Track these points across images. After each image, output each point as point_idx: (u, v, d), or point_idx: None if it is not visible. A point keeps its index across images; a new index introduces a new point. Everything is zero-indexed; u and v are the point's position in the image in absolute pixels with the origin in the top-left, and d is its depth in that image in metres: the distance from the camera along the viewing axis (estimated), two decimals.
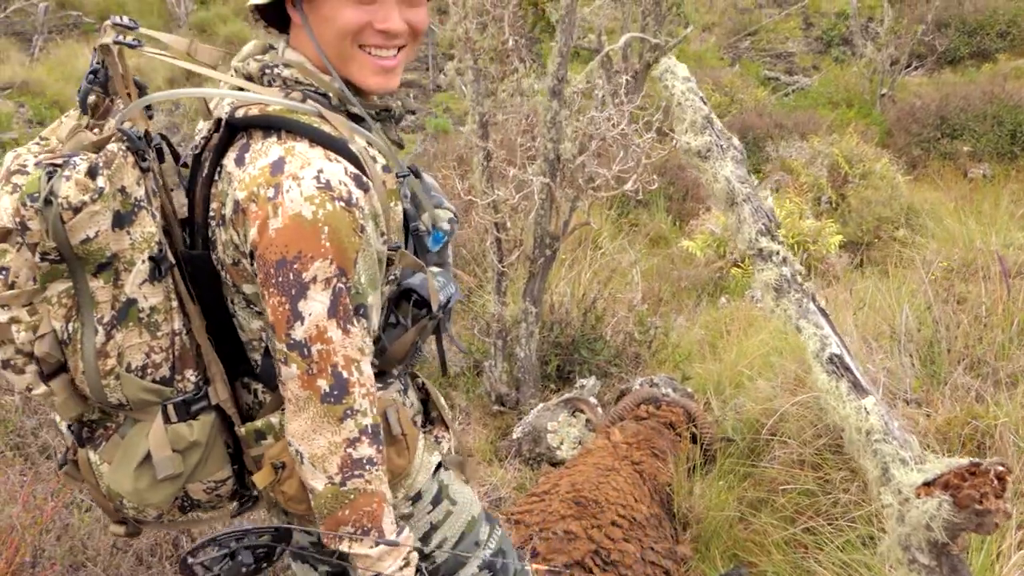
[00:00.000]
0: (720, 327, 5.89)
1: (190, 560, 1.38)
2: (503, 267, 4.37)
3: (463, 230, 5.38)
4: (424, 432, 1.77)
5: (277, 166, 1.38)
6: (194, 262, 1.53)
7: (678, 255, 8.34)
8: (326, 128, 1.45)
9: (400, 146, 1.66)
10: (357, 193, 1.40)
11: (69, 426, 1.58)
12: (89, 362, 1.42)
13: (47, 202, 1.31)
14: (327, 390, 1.38)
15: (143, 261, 1.42)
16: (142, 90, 1.52)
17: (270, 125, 1.45)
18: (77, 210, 1.31)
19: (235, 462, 1.62)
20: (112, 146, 1.40)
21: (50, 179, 1.32)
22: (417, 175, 1.71)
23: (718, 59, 16.85)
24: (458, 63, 4.44)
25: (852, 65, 14.66)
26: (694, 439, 4.13)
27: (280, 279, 1.36)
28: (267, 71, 1.53)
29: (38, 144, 1.50)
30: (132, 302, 1.43)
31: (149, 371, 1.47)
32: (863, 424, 1.53)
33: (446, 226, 1.67)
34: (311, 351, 1.37)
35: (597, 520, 3.40)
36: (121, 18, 1.53)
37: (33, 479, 2.63)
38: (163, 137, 1.58)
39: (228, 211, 1.44)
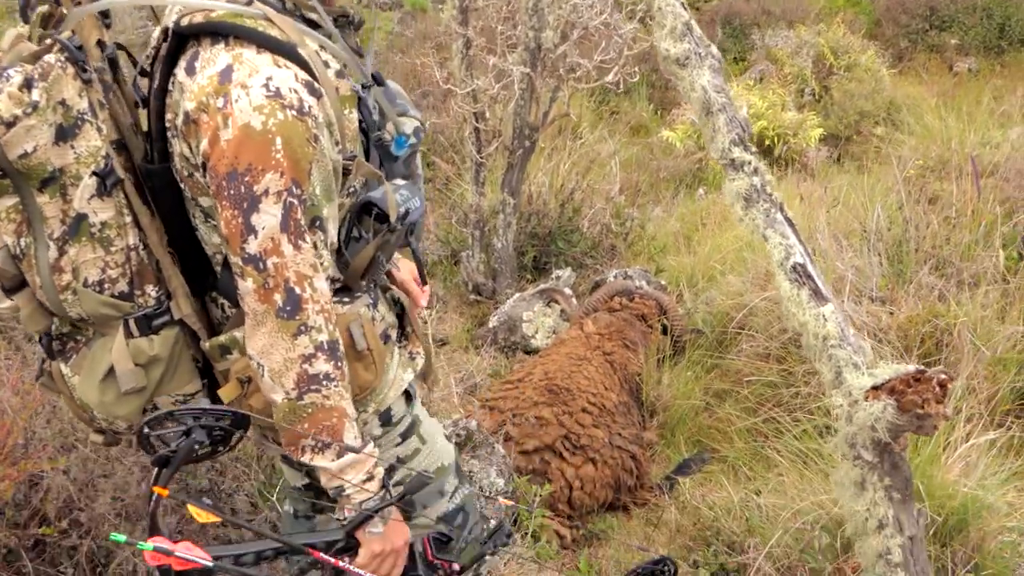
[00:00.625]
0: (696, 220, 5.95)
1: (147, 431, 1.38)
2: (481, 158, 4.38)
3: (441, 119, 5.35)
4: (399, 347, 1.76)
5: (225, 74, 1.33)
6: (153, 176, 1.50)
7: (658, 145, 8.32)
8: (273, 32, 1.38)
9: (360, 55, 1.60)
10: (309, 101, 1.36)
11: (40, 339, 1.57)
12: (44, 277, 1.41)
13: None
14: (280, 305, 1.36)
15: (90, 176, 1.39)
16: None
17: (216, 31, 1.38)
18: (10, 124, 1.29)
19: (204, 376, 1.62)
20: (49, 57, 1.36)
21: None
22: (380, 83, 1.65)
23: None
24: None
25: None
26: (665, 330, 4.25)
27: (232, 191, 1.33)
28: None
29: None
30: (82, 217, 1.40)
31: (106, 286, 1.46)
32: (820, 330, 1.61)
33: (409, 131, 1.61)
34: (266, 265, 1.35)
35: (568, 407, 3.53)
36: None
37: (20, 364, 2.69)
38: (120, 47, 1.53)
39: (179, 122, 1.40)
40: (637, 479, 3.52)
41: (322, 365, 1.41)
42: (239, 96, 1.31)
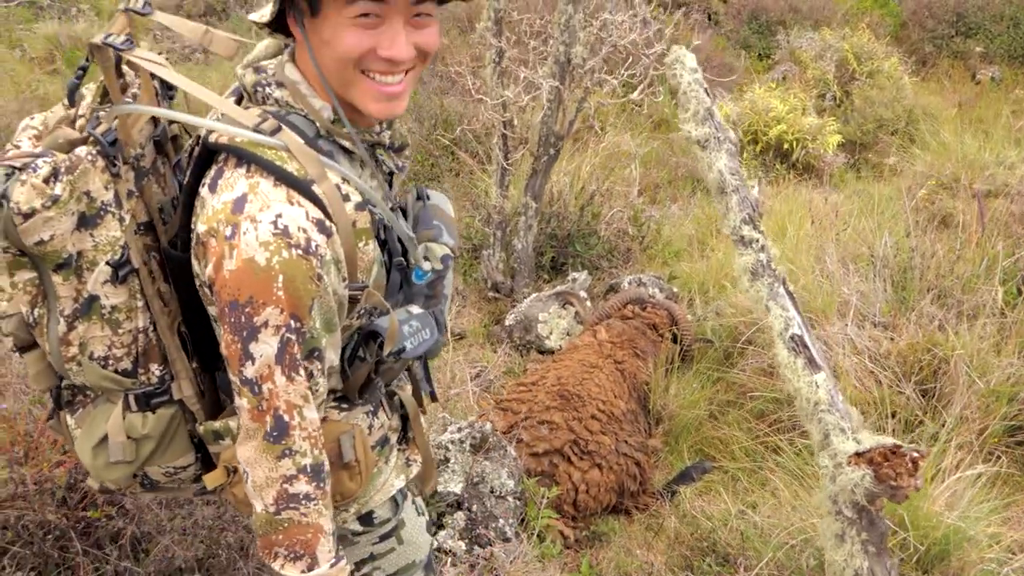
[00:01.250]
0: (711, 224, 6.10)
1: None
2: (508, 164, 4.54)
3: (471, 124, 5.50)
4: (399, 450, 1.80)
5: (238, 204, 1.34)
6: (175, 260, 1.51)
7: (678, 141, 8.44)
8: (292, 166, 1.38)
9: (399, 169, 1.63)
10: (317, 239, 1.36)
11: (50, 388, 1.61)
12: (53, 347, 1.47)
13: None
14: (268, 429, 1.39)
15: (105, 263, 1.43)
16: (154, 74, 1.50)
17: (239, 155, 1.39)
18: (28, 216, 1.32)
19: (200, 450, 1.64)
20: (81, 149, 1.39)
21: (7, 181, 1.32)
22: (422, 197, 1.70)
23: None
24: None
25: None
26: (675, 339, 4.42)
27: (232, 319, 1.34)
28: (259, 88, 1.49)
29: (33, 128, 1.51)
30: (94, 298, 1.44)
31: (111, 362, 1.49)
32: (812, 396, 1.78)
33: (427, 265, 1.63)
34: (261, 389, 1.37)
35: (578, 413, 3.71)
36: (136, 0, 1.49)
37: None
38: (165, 135, 1.57)
39: (192, 239, 1.43)
40: (640, 485, 3.71)
41: (303, 486, 1.43)
42: (247, 229, 1.32)
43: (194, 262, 1.44)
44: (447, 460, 3.35)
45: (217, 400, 1.63)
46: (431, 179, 6.55)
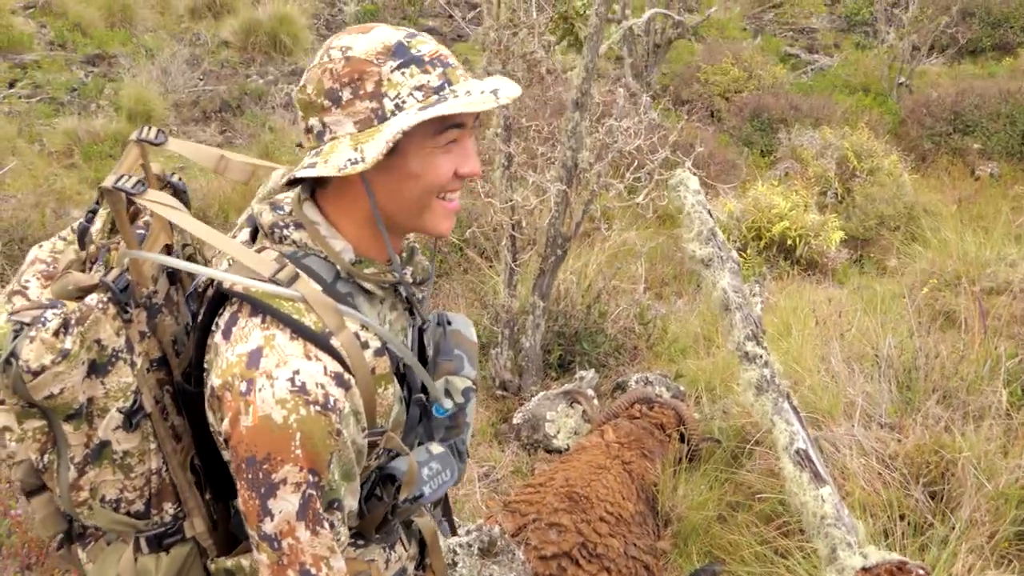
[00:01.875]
0: (716, 321, 6.15)
1: None
2: (515, 265, 4.63)
3: (480, 224, 5.63)
4: None
5: (254, 358, 1.32)
6: (188, 395, 1.49)
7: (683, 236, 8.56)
8: (309, 318, 1.35)
9: (420, 302, 1.60)
10: (336, 393, 1.33)
11: (57, 534, 1.58)
12: (63, 492, 1.43)
13: (7, 362, 1.29)
14: None
15: (116, 410, 1.40)
16: (176, 190, 1.54)
17: (254, 305, 1.37)
18: (38, 373, 1.29)
19: None
20: (92, 298, 1.36)
21: (16, 337, 1.30)
22: (442, 323, 1.68)
23: (740, 30, 16.86)
24: (488, 65, 4.63)
25: (873, 49, 14.70)
26: (682, 438, 4.44)
27: (250, 475, 1.31)
28: (277, 229, 1.45)
29: (41, 263, 1.50)
30: (105, 444, 1.41)
31: (123, 505, 1.46)
32: (819, 510, 1.81)
33: (448, 404, 1.60)
34: (281, 545, 1.33)
35: (587, 515, 3.71)
36: (148, 130, 1.51)
37: None
38: (194, 252, 1.57)
39: (207, 390, 1.40)
40: None
41: None
42: (263, 386, 1.29)
43: (208, 413, 1.41)
44: (455, 564, 3.34)
45: (229, 531, 1.58)
46: (440, 275, 6.65)
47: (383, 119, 1.35)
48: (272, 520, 1.32)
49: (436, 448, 1.60)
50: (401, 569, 1.70)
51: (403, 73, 1.36)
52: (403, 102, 1.36)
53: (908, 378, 4.14)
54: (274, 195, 1.53)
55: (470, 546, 3.40)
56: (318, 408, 1.31)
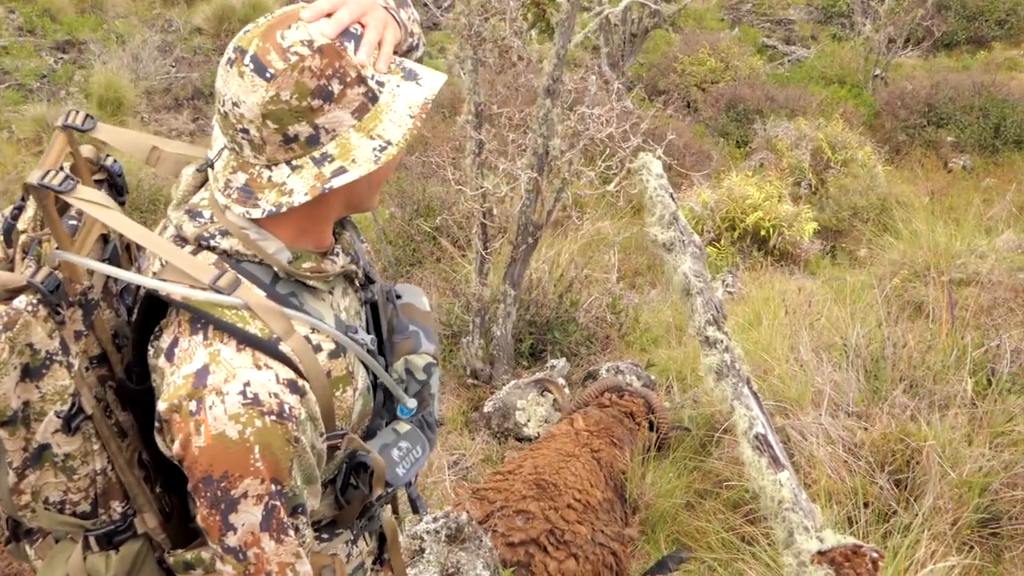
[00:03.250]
0: None
1: None
2: (487, 253, 4.62)
3: (452, 212, 5.61)
4: (373, 571, 1.76)
5: (200, 377, 1.26)
6: (132, 393, 1.43)
7: None
8: (255, 326, 1.29)
9: (355, 262, 1.54)
10: (290, 400, 1.28)
11: (6, 518, 1.52)
12: (4, 496, 1.37)
13: None
14: None
15: (54, 414, 1.32)
16: (111, 174, 1.46)
17: (195, 316, 1.31)
18: None
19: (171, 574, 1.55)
20: (20, 301, 1.27)
21: None
22: (392, 299, 1.64)
23: (718, 20, 16.90)
24: (459, 50, 4.60)
25: (849, 41, 14.78)
26: (652, 426, 4.45)
27: (208, 495, 1.26)
28: (203, 240, 1.35)
29: None
30: (45, 447, 1.34)
31: (68, 507, 1.40)
32: (777, 494, 1.81)
33: (411, 403, 1.57)
34: (247, 555, 1.29)
35: (554, 502, 3.71)
36: (75, 115, 1.44)
37: None
38: (116, 252, 1.49)
39: (156, 413, 1.33)
40: (617, 575, 3.69)
41: None
42: (213, 403, 1.24)
43: (157, 437, 1.36)
44: (422, 551, 3.33)
45: (185, 523, 1.53)
46: (413, 264, 6.63)
47: (375, 99, 1.30)
48: (235, 533, 1.27)
49: (403, 426, 1.57)
50: (360, 564, 1.67)
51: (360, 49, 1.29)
52: (380, 76, 1.31)
53: (876, 367, 4.16)
54: (188, 199, 1.43)
55: (437, 532, 3.39)
56: (273, 418, 1.26)
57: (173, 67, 12.44)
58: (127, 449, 1.43)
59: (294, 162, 1.29)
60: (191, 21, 13.97)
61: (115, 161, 1.55)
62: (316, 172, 1.28)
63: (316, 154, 1.28)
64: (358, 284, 1.55)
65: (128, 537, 1.47)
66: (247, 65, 1.24)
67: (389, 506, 1.80)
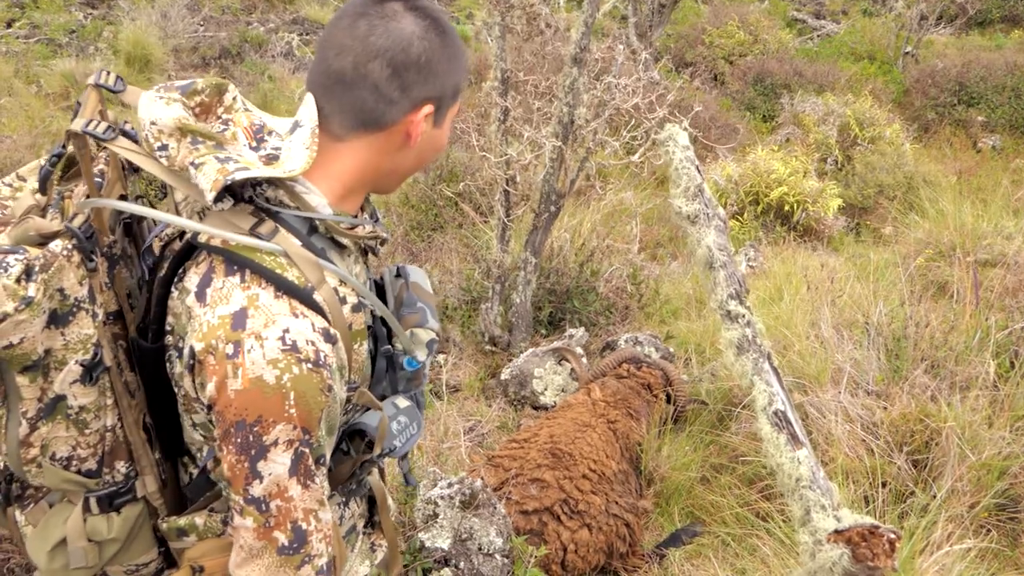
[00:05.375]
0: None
1: None
2: (508, 220, 4.60)
3: (474, 179, 5.58)
4: (364, 534, 1.78)
5: (238, 319, 1.27)
6: (144, 352, 1.43)
7: None
8: (292, 273, 1.32)
9: (375, 253, 1.59)
10: (325, 349, 1.30)
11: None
12: (11, 449, 1.37)
13: None
14: (285, 543, 1.31)
15: (76, 362, 1.34)
16: (130, 139, 1.41)
17: (232, 260, 1.31)
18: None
19: (164, 544, 1.57)
20: (56, 244, 1.30)
21: None
22: (403, 275, 1.68)
23: None
24: (487, 16, 4.56)
25: (881, 16, 14.55)
26: (669, 399, 4.44)
27: (239, 439, 1.27)
28: (247, 187, 1.37)
29: None
30: (60, 398, 1.35)
31: (74, 463, 1.41)
32: (795, 472, 1.80)
33: (420, 356, 1.59)
34: (269, 506, 1.29)
35: (569, 472, 3.72)
36: (107, 75, 1.44)
37: None
38: (141, 198, 1.51)
39: (184, 353, 1.33)
40: (630, 547, 3.69)
41: None
42: (252, 347, 1.25)
43: (185, 378, 1.35)
44: (436, 515, 3.35)
45: (179, 492, 1.55)
46: (434, 229, 6.61)
47: None
48: (261, 483, 1.28)
49: (402, 401, 1.58)
50: (352, 527, 1.69)
51: None
52: None
53: (897, 346, 4.13)
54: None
55: (451, 498, 3.40)
56: (310, 365, 1.27)
57: (201, 26, 12.41)
58: (134, 409, 1.45)
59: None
60: None
61: (132, 127, 1.54)
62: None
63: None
64: (372, 256, 1.59)
65: (129, 500, 1.49)
66: None
67: (376, 471, 1.81)
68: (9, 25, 11.42)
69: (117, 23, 11.73)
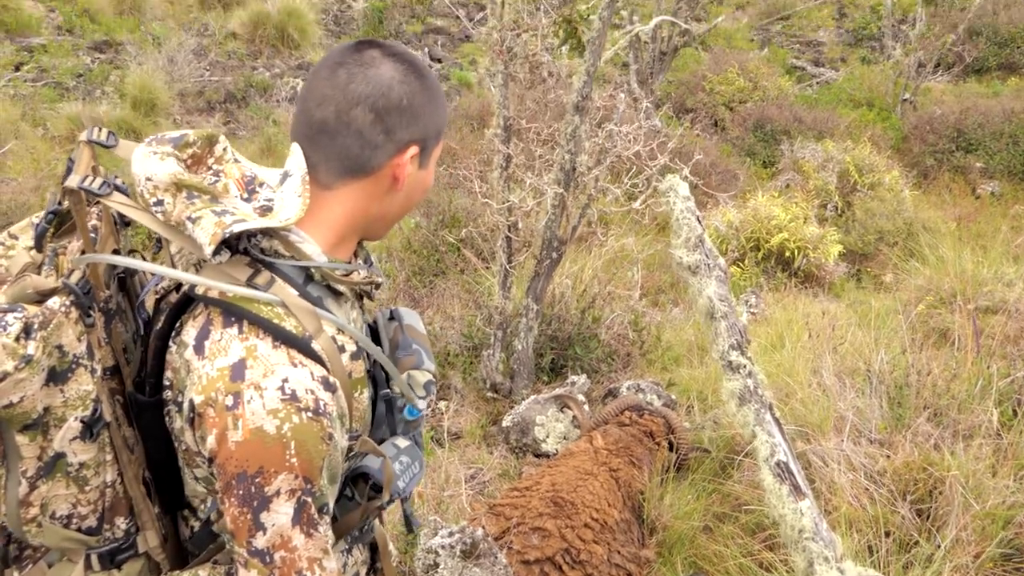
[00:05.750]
0: None
1: None
2: (510, 266, 4.62)
3: (477, 225, 5.61)
4: None
5: (237, 371, 1.28)
6: (142, 406, 1.43)
7: None
8: (290, 323, 1.33)
9: (370, 298, 1.60)
10: (325, 398, 1.31)
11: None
12: (11, 510, 1.35)
13: None
14: None
15: (75, 419, 1.33)
16: (124, 192, 1.40)
17: (229, 312, 1.33)
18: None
19: None
20: (54, 301, 1.29)
21: None
22: (397, 318, 1.68)
23: (748, 41, 16.86)
24: (490, 64, 4.62)
25: (879, 64, 14.70)
26: (672, 447, 4.42)
27: (241, 491, 1.27)
28: (243, 238, 1.38)
29: None
30: (60, 456, 1.34)
31: (75, 521, 1.40)
32: (797, 523, 1.79)
33: (421, 404, 1.61)
34: (273, 558, 1.29)
35: (571, 521, 3.69)
36: (100, 131, 1.44)
37: None
38: (130, 270, 1.51)
39: (184, 407, 1.34)
40: None
41: None
42: (252, 398, 1.26)
43: (186, 432, 1.36)
44: (436, 565, 3.32)
45: (180, 546, 1.54)
46: (436, 274, 6.64)
47: None
48: (265, 534, 1.28)
49: (402, 442, 1.59)
50: (355, 574, 1.68)
51: None
52: None
53: (899, 394, 4.12)
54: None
55: (452, 547, 3.38)
56: (310, 414, 1.28)
57: (207, 71, 12.55)
58: (134, 463, 1.45)
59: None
60: (227, 26, 14.09)
61: (123, 182, 1.55)
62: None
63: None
64: (368, 300, 1.60)
65: (130, 556, 1.47)
66: None
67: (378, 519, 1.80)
68: (17, 68, 11.55)
69: (124, 67, 11.86)
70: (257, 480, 1.27)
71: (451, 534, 3.42)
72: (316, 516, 1.32)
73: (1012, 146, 11.19)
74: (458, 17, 15.93)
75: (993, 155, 11.21)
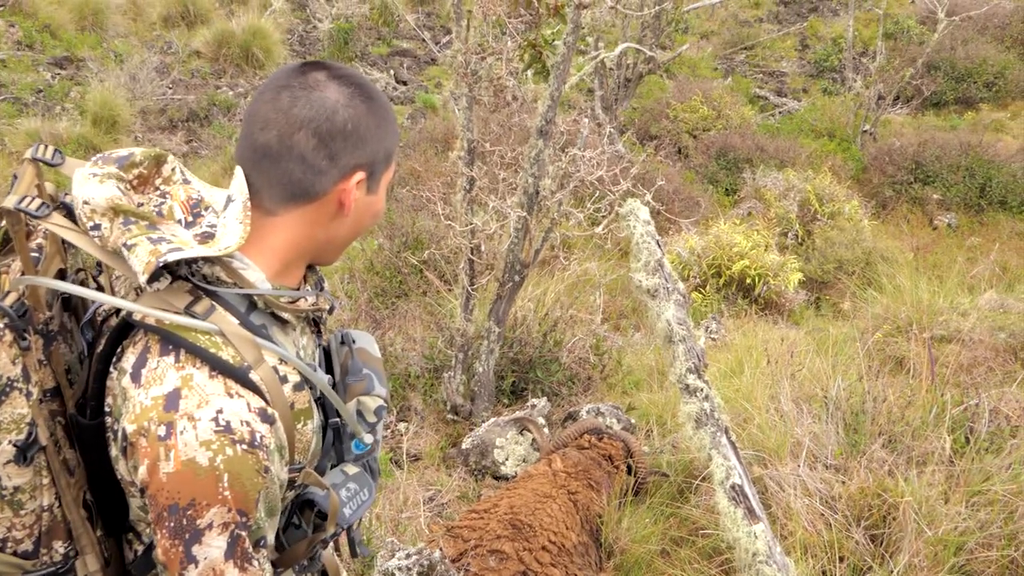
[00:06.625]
0: None
1: None
2: (473, 289, 4.62)
3: (439, 247, 5.62)
4: None
5: (171, 400, 1.25)
6: (83, 428, 1.39)
7: None
8: (227, 352, 1.29)
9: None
10: (261, 429, 1.28)
11: None
12: None
13: None
14: None
15: (9, 443, 1.31)
16: (69, 211, 1.36)
17: (167, 340, 1.29)
18: None
19: None
20: None
21: None
22: (347, 342, 1.66)
23: (712, 69, 17.09)
24: (455, 87, 4.64)
25: (840, 95, 14.97)
26: (630, 470, 4.43)
27: (172, 524, 1.23)
28: (184, 264, 1.35)
29: None
30: None
31: (9, 545, 1.37)
32: (751, 546, 1.81)
33: (368, 439, 1.57)
34: None
35: (529, 544, 3.68)
36: (45, 149, 1.42)
37: None
38: (81, 271, 1.48)
39: (119, 435, 1.32)
40: None
41: None
42: (184, 428, 1.23)
43: (120, 462, 1.34)
44: None
45: (124, 570, 1.51)
46: (399, 296, 6.62)
47: None
48: (197, 567, 1.24)
49: (351, 468, 1.56)
50: None
51: None
52: None
53: (855, 421, 4.17)
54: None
55: (409, 569, 3.36)
56: (244, 447, 1.25)
57: (170, 89, 12.48)
58: (74, 487, 1.41)
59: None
60: (190, 44, 14.04)
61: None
62: None
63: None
64: (318, 326, 1.56)
65: None
66: None
67: (331, 545, 1.77)
68: None
69: (85, 84, 11.76)
70: (189, 513, 1.23)
71: (408, 556, 3.40)
72: (251, 550, 1.28)
73: (968, 179, 11.43)
74: (424, 40, 15.99)
75: (950, 187, 11.44)
